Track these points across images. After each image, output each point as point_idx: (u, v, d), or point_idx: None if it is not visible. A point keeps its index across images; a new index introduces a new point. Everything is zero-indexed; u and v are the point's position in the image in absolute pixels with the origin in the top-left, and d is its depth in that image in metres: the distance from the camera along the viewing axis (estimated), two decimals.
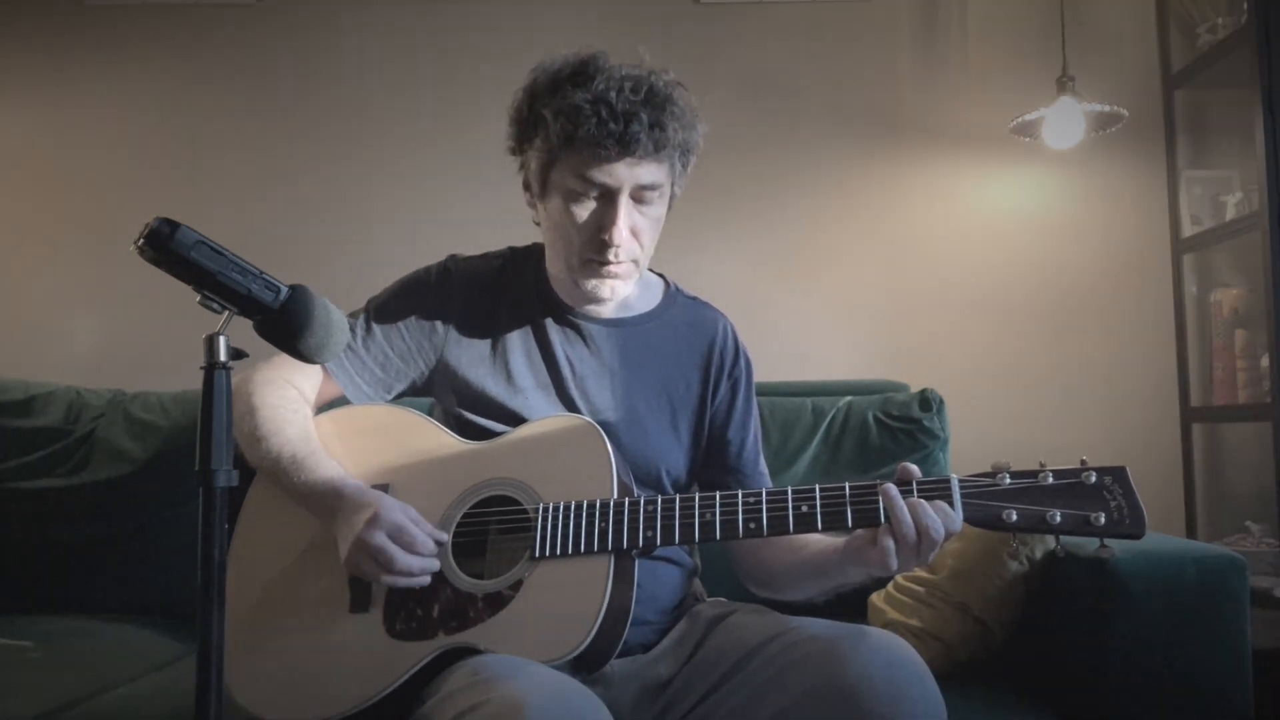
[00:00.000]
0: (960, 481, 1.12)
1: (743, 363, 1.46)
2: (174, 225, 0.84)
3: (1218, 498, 2.53)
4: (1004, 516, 1.09)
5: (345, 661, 1.19)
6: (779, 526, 1.15)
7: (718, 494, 1.18)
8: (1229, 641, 1.41)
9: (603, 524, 1.17)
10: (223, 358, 0.86)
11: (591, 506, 1.19)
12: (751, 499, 1.17)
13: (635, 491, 1.26)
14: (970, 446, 2.13)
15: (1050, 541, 1.48)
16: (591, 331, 1.39)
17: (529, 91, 1.30)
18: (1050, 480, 1.10)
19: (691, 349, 1.42)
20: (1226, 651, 1.41)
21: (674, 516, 1.17)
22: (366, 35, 2.58)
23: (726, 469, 1.43)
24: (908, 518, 1.09)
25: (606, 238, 1.27)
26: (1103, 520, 1.07)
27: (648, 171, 1.27)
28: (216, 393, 0.85)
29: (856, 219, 2.56)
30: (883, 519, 1.11)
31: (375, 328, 1.38)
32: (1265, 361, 2.29)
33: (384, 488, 1.28)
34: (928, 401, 2.00)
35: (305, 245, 2.51)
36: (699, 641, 1.25)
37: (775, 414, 2.02)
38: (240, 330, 0.87)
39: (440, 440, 1.32)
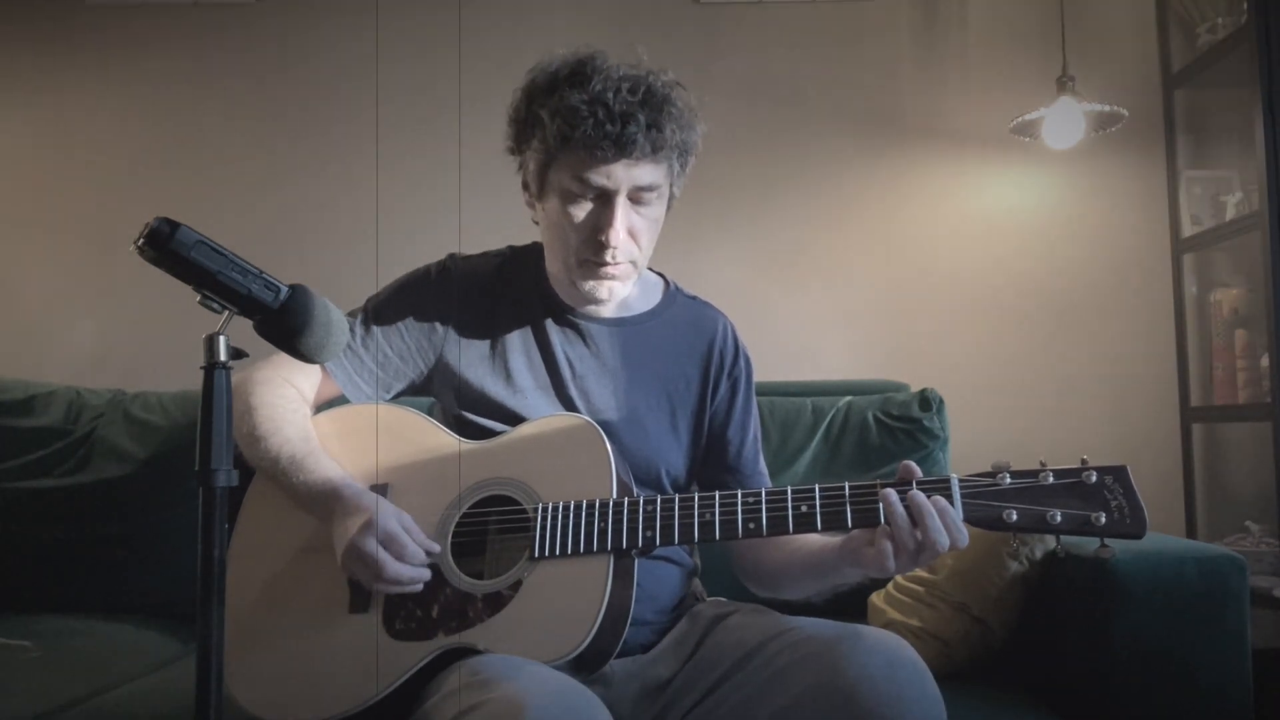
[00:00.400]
0: (960, 481, 1.12)
1: (742, 362, 1.45)
2: (174, 225, 0.84)
3: (1218, 498, 2.53)
4: (1004, 516, 1.09)
5: (345, 661, 1.19)
6: (778, 527, 1.15)
7: (717, 494, 1.18)
8: (1229, 641, 1.41)
9: (602, 524, 1.17)
10: (223, 358, 0.86)
11: (591, 506, 1.19)
12: (751, 499, 1.16)
13: (635, 491, 1.26)
14: (970, 446, 2.13)
15: (1050, 541, 1.49)
16: (591, 331, 1.39)
17: (526, 91, 1.30)
18: (1051, 480, 1.10)
19: (691, 348, 1.42)
20: (1226, 651, 1.41)
21: (673, 516, 1.17)
22: (366, 35, 2.57)
23: (726, 468, 1.43)
24: (907, 524, 1.09)
25: (604, 239, 1.26)
26: (1103, 520, 1.07)
27: (645, 173, 1.26)
28: (216, 393, 0.85)
29: (856, 219, 2.56)
30: (882, 521, 1.11)
31: (374, 327, 1.38)
32: (1265, 361, 2.29)
33: (383, 487, 1.28)
34: (928, 401, 2.00)
35: (305, 245, 2.51)
36: (699, 641, 1.25)
37: (775, 414, 2.02)
38: (240, 330, 0.87)
39: (440, 440, 1.32)
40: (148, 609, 1.94)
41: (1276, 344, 2.20)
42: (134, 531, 1.98)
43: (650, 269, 1.45)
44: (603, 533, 1.17)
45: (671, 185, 1.33)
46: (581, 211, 1.28)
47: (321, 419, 1.36)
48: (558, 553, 1.17)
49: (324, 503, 1.23)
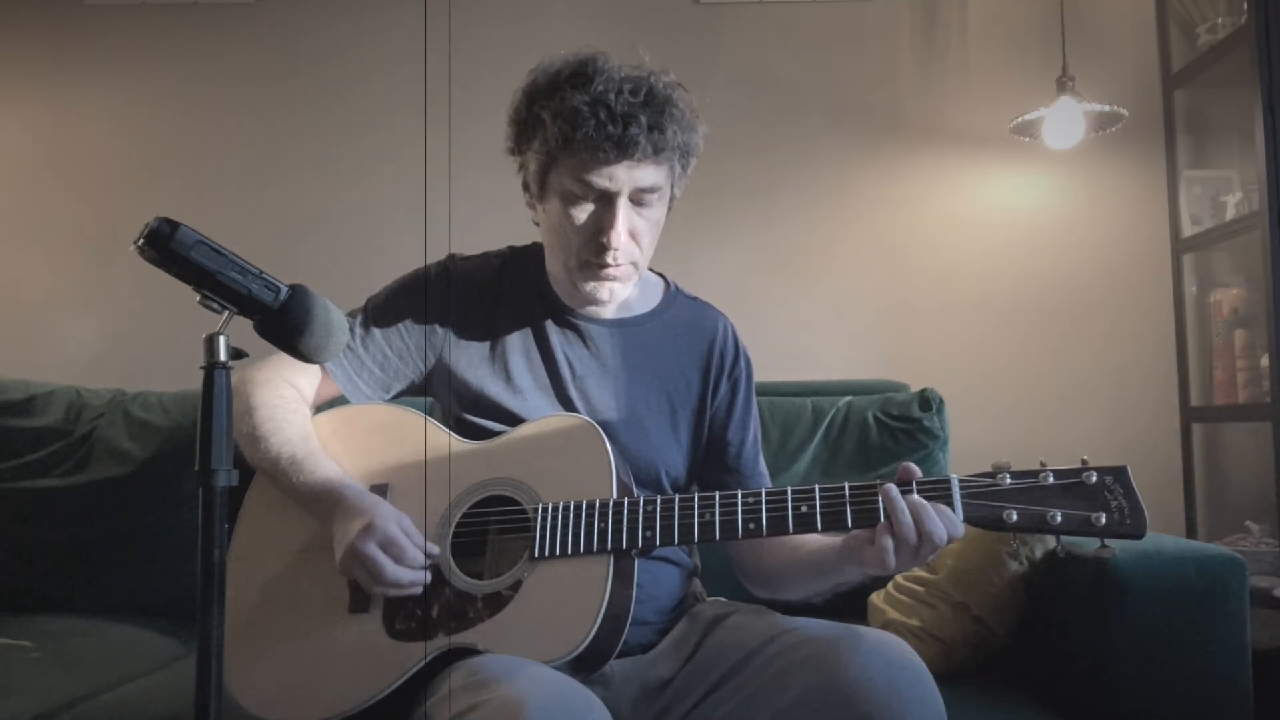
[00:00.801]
0: (960, 481, 1.12)
1: (743, 363, 1.45)
2: (174, 225, 0.84)
3: (1218, 498, 2.53)
4: (1005, 516, 1.09)
5: (345, 661, 1.19)
6: (778, 527, 1.15)
7: (717, 494, 1.18)
8: (1229, 641, 1.41)
9: (602, 524, 1.17)
10: (223, 357, 0.86)
11: (591, 506, 1.19)
12: (751, 499, 1.16)
13: (635, 491, 1.26)
14: (970, 446, 2.13)
15: (1050, 541, 1.49)
16: (591, 332, 1.39)
17: (527, 92, 1.30)
18: (1051, 480, 1.10)
19: (691, 349, 1.42)
20: (1226, 651, 1.41)
21: (673, 516, 1.17)
22: (366, 35, 2.57)
23: (726, 469, 1.43)
24: (908, 519, 1.09)
25: (605, 241, 1.26)
26: (1103, 520, 1.07)
27: (647, 174, 1.26)
28: (216, 392, 0.85)
29: (856, 219, 2.56)
30: (882, 518, 1.11)
31: (374, 328, 1.38)
32: (1265, 361, 2.29)
33: (383, 487, 1.28)
34: (928, 401, 2.00)
35: (305, 245, 2.51)
36: (699, 642, 1.25)
37: (775, 414, 2.02)
38: (240, 330, 0.87)
39: (440, 440, 1.32)
40: (148, 609, 1.94)
41: (1276, 344, 2.20)
42: (134, 531, 1.98)
43: (650, 269, 1.45)
44: (603, 533, 1.17)
45: (672, 186, 1.33)
46: (583, 213, 1.27)
47: (321, 419, 1.36)
48: (558, 553, 1.17)
49: (324, 503, 1.23)
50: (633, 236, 1.29)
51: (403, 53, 2.56)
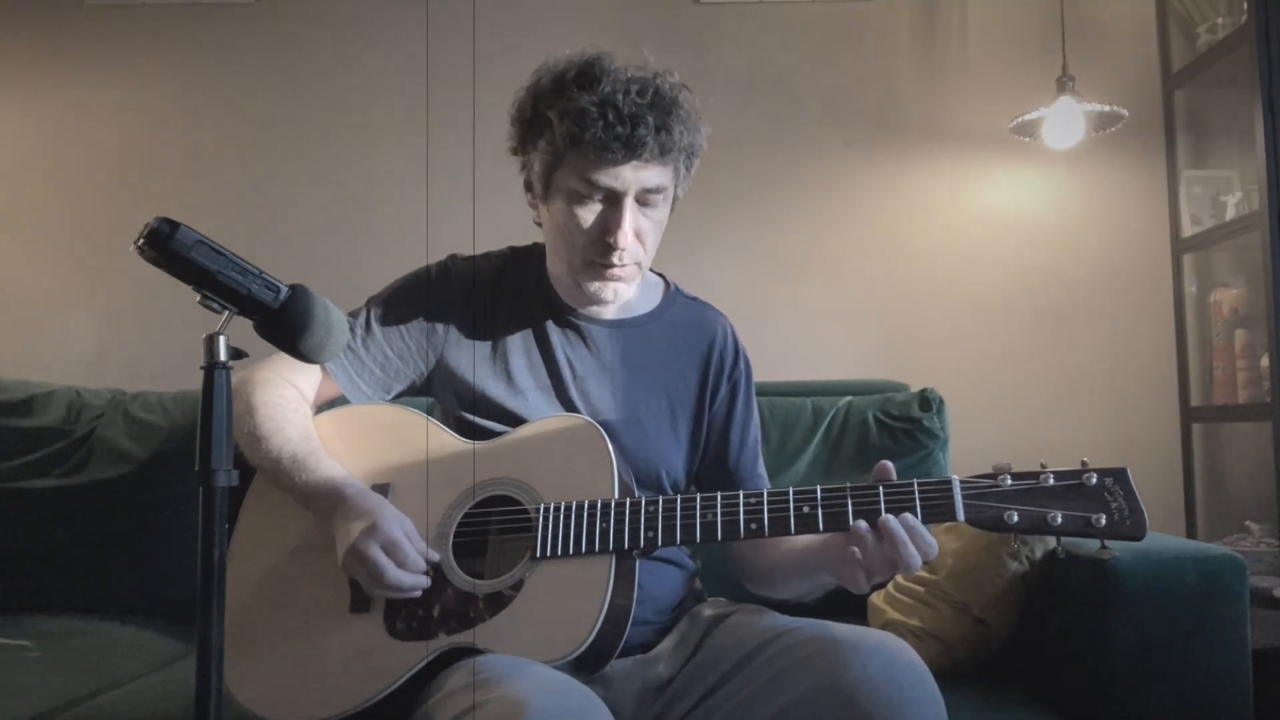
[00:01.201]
0: (961, 483, 1.12)
1: (742, 364, 1.45)
2: (174, 225, 0.84)
3: (1218, 498, 2.53)
4: (1005, 518, 1.09)
5: (345, 661, 1.19)
6: (780, 527, 1.15)
7: (719, 494, 1.18)
8: (1229, 641, 1.41)
9: (604, 524, 1.17)
10: (223, 357, 0.86)
11: (593, 507, 1.19)
12: (753, 499, 1.16)
13: (636, 492, 1.26)
14: (970, 446, 2.13)
15: (1051, 542, 1.49)
16: (592, 332, 1.39)
17: (532, 92, 1.30)
18: (1051, 481, 1.10)
19: (691, 350, 1.42)
20: (1226, 651, 1.41)
21: (675, 517, 1.17)
22: (367, 35, 2.57)
23: (726, 471, 1.43)
24: (880, 554, 1.09)
25: (611, 241, 1.27)
26: (1103, 522, 1.07)
27: (653, 175, 1.26)
28: (216, 392, 0.85)
29: (856, 219, 2.56)
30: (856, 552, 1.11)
31: (375, 328, 1.38)
32: (1265, 361, 2.29)
33: (384, 487, 1.28)
34: (928, 401, 2.00)
35: (305, 245, 2.51)
36: (699, 642, 1.25)
37: (775, 414, 2.02)
38: (240, 330, 0.87)
39: (441, 440, 1.32)
40: (148, 609, 1.94)
41: (1276, 344, 2.20)
42: (134, 531, 1.98)
43: (651, 269, 1.45)
44: (604, 533, 1.17)
45: (676, 187, 1.33)
46: (588, 213, 1.27)
47: (322, 419, 1.36)
48: (559, 553, 1.17)
49: (326, 502, 1.23)
50: (637, 237, 1.29)
51: (403, 52, 2.56)
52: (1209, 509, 2.52)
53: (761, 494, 1.17)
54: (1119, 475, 1.09)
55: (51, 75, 2.56)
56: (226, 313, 0.88)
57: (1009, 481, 1.11)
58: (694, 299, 1.49)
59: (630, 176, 1.25)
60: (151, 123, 2.56)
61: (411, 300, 1.40)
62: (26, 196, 2.55)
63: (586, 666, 1.16)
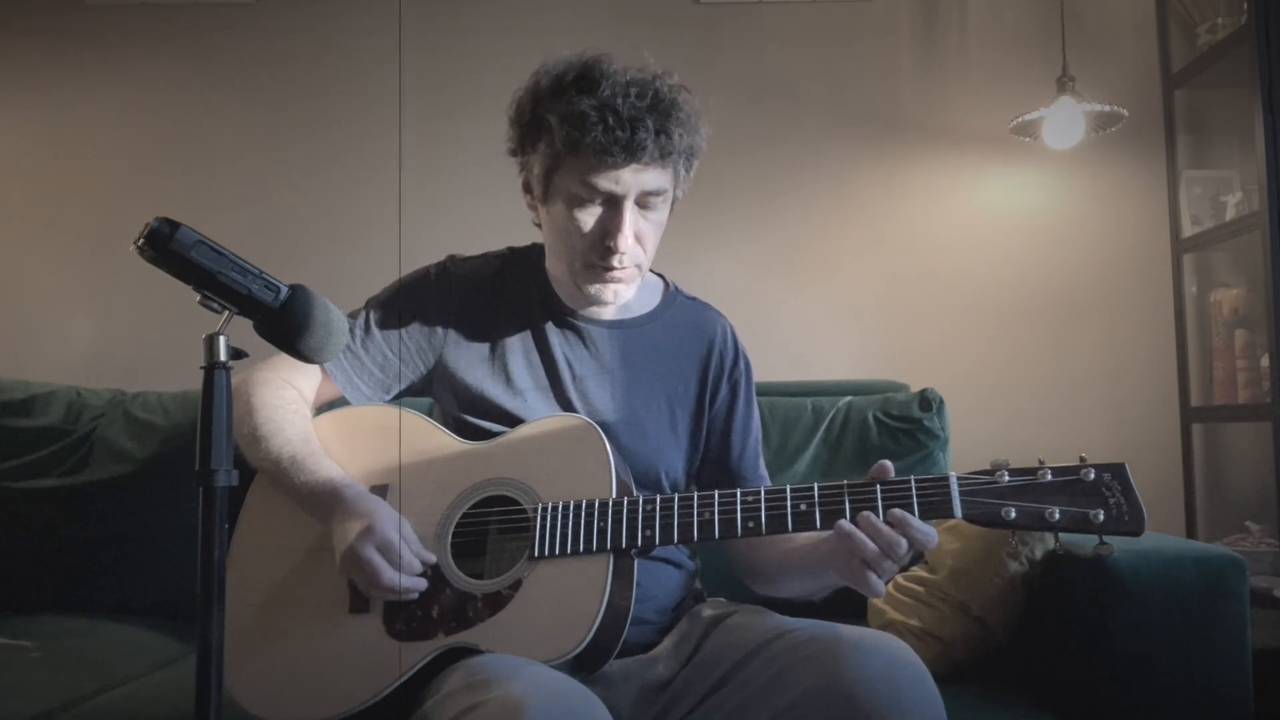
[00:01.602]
0: (959, 479, 1.12)
1: (742, 365, 1.45)
2: (174, 225, 0.84)
3: (1218, 498, 2.53)
4: (1003, 514, 1.09)
5: (345, 662, 1.19)
6: (777, 525, 1.15)
7: (716, 493, 1.18)
8: (1229, 641, 1.41)
9: (602, 523, 1.17)
10: (223, 358, 0.86)
11: (591, 506, 1.19)
12: (750, 498, 1.16)
13: (634, 492, 1.26)
14: (970, 446, 2.13)
15: (1050, 541, 1.48)
16: (591, 333, 1.39)
17: (532, 94, 1.29)
18: (1049, 477, 1.10)
19: (691, 351, 1.42)
20: (1226, 651, 1.41)
21: (673, 516, 1.17)
22: (367, 35, 2.57)
23: (727, 472, 1.43)
24: (875, 552, 1.09)
25: (611, 244, 1.27)
26: (1102, 517, 1.07)
27: (653, 177, 1.26)
28: (216, 392, 0.85)
29: (857, 219, 2.56)
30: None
31: (374, 328, 1.38)
32: (1265, 361, 2.29)
33: (383, 488, 1.28)
34: (928, 401, 2.00)
35: (305, 245, 2.51)
36: (699, 642, 1.25)
37: (775, 414, 2.02)
38: (240, 330, 0.88)
39: (440, 440, 1.32)
40: (148, 609, 1.94)
41: (1276, 344, 2.20)
42: (134, 531, 1.98)
43: (650, 270, 1.44)
44: (602, 532, 1.17)
45: (676, 189, 1.33)
46: (588, 216, 1.27)
47: (322, 420, 1.36)
48: (557, 552, 1.17)
49: (325, 503, 1.24)
50: (637, 239, 1.29)
51: (401, 51, 2.56)
52: (1209, 509, 2.52)
53: (759, 492, 1.17)
54: (1117, 471, 1.09)
55: (51, 75, 2.56)
56: (226, 313, 0.88)
57: (1007, 478, 1.11)
58: (694, 299, 1.49)
59: (630, 180, 1.25)
60: (151, 122, 2.56)
61: (411, 301, 1.40)
62: (27, 196, 2.55)
63: (585, 666, 1.16)
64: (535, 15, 2.55)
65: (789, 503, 1.15)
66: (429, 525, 1.24)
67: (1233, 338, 2.43)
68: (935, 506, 1.11)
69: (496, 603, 1.17)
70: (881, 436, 1.99)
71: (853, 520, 1.11)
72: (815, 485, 1.15)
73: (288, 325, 0.91)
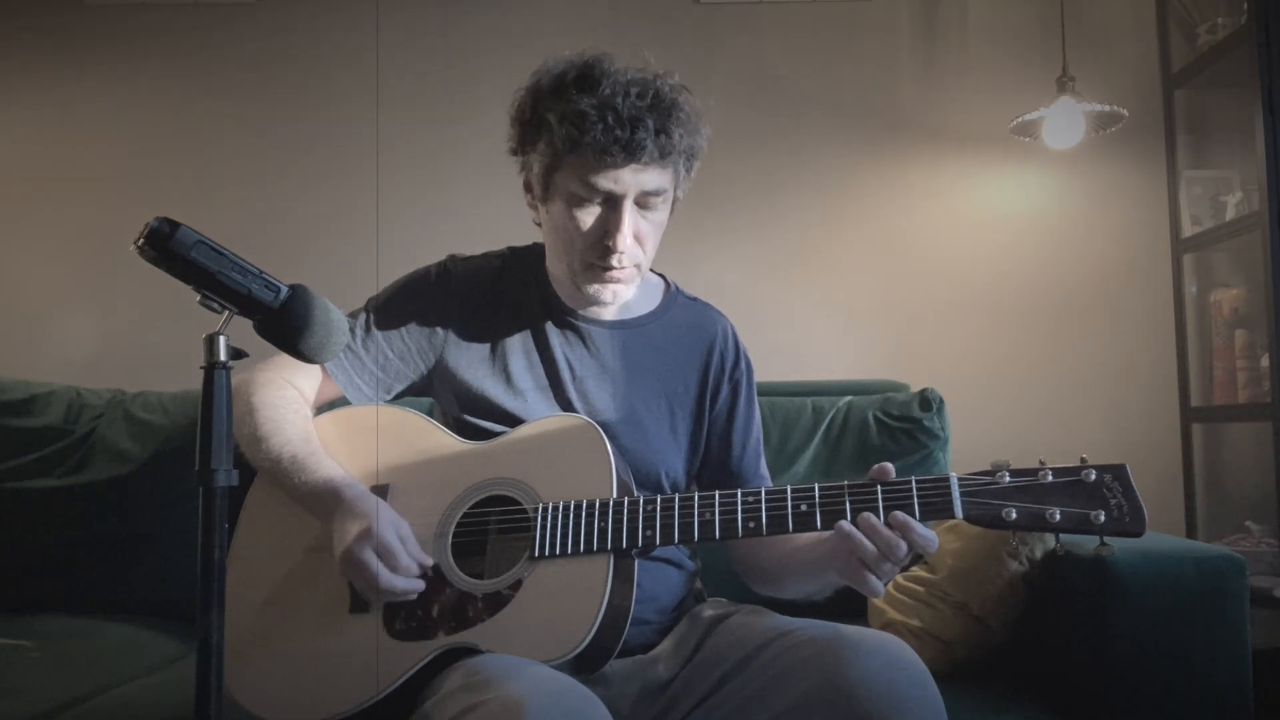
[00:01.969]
0: (960, 480, 1.12)
1: (743, 365, 1.45)
2: (174, 225, 0.84)
3: (1218, 498, 2.53)
4: (1004, 514, 1.09)
5: (345, 662, 1.19)
6: (778, 526, 1.15)
7: (717, 493, 1.18)
8: (1229, 641, 1.41)
9: (602, 523, 1.17)
10: (223, 357, 0.86)
11: (591, 506, 1.19)
12: (751, 498, 1.16)
13: (635, 492, 1.26)
14: (970, 446, 2.13)
15: (1050, 541, 1.49)
16: (591, 333, 1.38)
17: (532, 93, 1.29)
18: (1050, 478, 1.10)
19: (691, 351, 1.42)
20: (1226, 651, 1.41)
21: (674, 516, 1.17)
22: (367, 35, 2.57)
23: (728, 471, 1.43)
24: (874, 553, 1.09)
25: (611, 244, 1.26)
26: (1103, 518, 1.07)
27: (653, 177, 1.26)
28: (216, 392, 0.85)
29: (856, 219, 2.56)
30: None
31: (374, 328, 1.38)
32: (1265, 361, 2.29)
33: (384, 488, 1.28)
34: (928, 401, 2.00)
35: (305, 245, 2.51)
36: (699, 642, 1.25)
37: (775, 414, 2.02)
38: (240, 330, 0.88)
39: (440, 440, 1.32)
40: (148, 609, 1.94)
41: (1276, 344, 2.20)
42: (134, 531, 1.98)
43: (651, 270, 1.44)
44: (603, 532, 1.17)
45: (676, 189, 1.33)
46: (588, 215, 1.27)
47: (323, 420, 1.36)
48: (558, 552, 1.17)
49: (325, 503, 1.23)
50: (637, 239, 1.29)
51: (401, 51, 2.56)
52: (1209, 509, 2.52)
53: (759, 493, 1.17)
54: (1118, 472, 1.09)
55: (51, 75, 2.56)
56: (226, 313, 0.88)
57: (1007, 478, 1.10)
58: (694, 299, 1.49)
59: (629, 179, 1.25)
60: (151, 122, 2.56)
61: (411, 301, 1.40)
62: (27, 196, 2.55)
63: (585, 666, 1.16)
64: (535, 14, 2.55)
65: (790, 503, 1.15)
66: (429, 525, 1.24)
67: (1233, 338, 2.43)
68: (936, 507, 1.11)
69: (497, 603, 1.17)
70: (881, 436, 1.99)
71: (853, 521, 1.10)
72: (816, 486, 1.15)
73: (288, 325, 0.91)
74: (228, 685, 1.09)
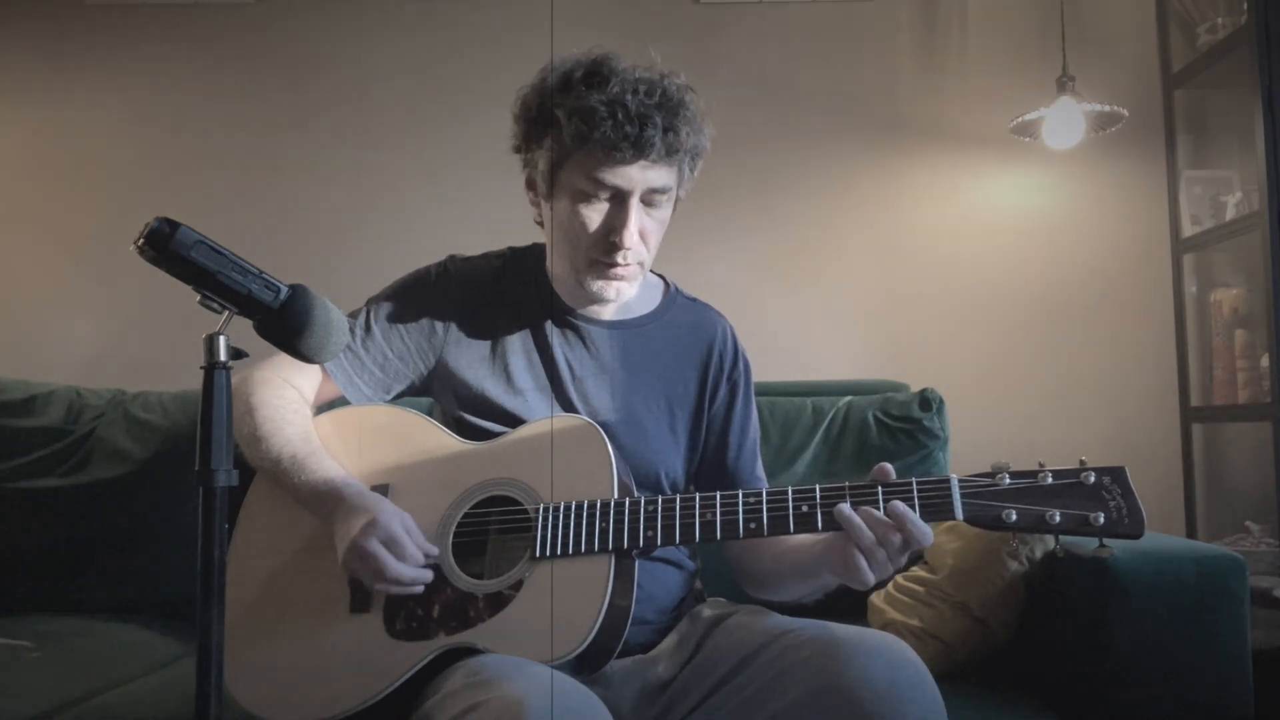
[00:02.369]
0: (960, 481, 1.12)
1: (741, 366, 1.45)
2: (174, 225, 0.84)
3: (1218, 498, 2.53)
4: (1004, 516, 1.09)
5: (345, 661, 1.19)
6: (779, 526, 1.15)
7: (718, 494, 1.18)
8: (1229, 641, 1.41)
9: (603, 524, 1.17)
10: (223, 357, 0.86)
11: (592, 506, 1.19)
12: (752, 499, 1.16)
13: (635, 492, 1.26)
14: (970, 446, 2.13)
15: (1050, 541, 1.49)
16: (591, 333, 1.39)
17: (538, 90, 1.30)
18: (1049, 480, 1.10)
19: (690, 351, 1.42)
20: (1226, 651, 1.41)
21: (674, 516, 1.17)
22: (367, 35, 2.58)
23: (724, 471, 1.43)
24: (869, 537, 1.09)
25: (617, 240, 1.27)
26: (1102, 520, 1.07)
27: (659, 175, 1.27)
28: (216, 392, 0.85)
29: (856, 219, 2.56)
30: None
31: (374, 328, 1.38)
32: (1265, 361, 2.29)
33: (384, 488, 1.28)
34: (928, 401, 2.00)
35: (305, 244, 2.51)
36: (699, 643, 1.25)
37: (775, 414, 2.02)
38: (240, 330, 0.88)
39: (440, 440, 1.32)
40: (148, 609, 1.94)
41: (1276, 344, 2.20)
42: (134, 531, 1.98)
43: (651, 270, 1.44)
44: (604, 533, 1.17)
45: (679, 188, 1.33)
46: (594, 212, 1.28)
47: (323, 420, 1.36)
48: (558, 553, 1.17)
49: (325, 502, 1.23)
50: (641, 236, 1.30)
51: (401, 52, 2.57)
52: (1209, 509, 2.52)
53: (760, 493, 1.17)
54: (1117, 474, 1.09)
55: (52, 75, 2.57)
56: (226, 313, 0.88)
57: (1007, 480, 1.11)
58: (694, 300, 1.49)
59: (636, 176, 1.25)
60: (152, 122, 2.56)
61: (411, 301, 1.40)
62: (27, 197, 2.56)
63: (586, 666, 1.16)
64: (534, 14, 2.55)
65: (790, 504, 1.15)
66: (430, 525, 1.24)
67: (1233, 338, 2.43)
68: (936, 508, 1.11)
69: (497, 603, 1.17)
70: (881, 436, 1.99)
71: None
72: (817, 487, 1.15)
73: (288, 325, 0.91)
74: (227, 685, 1.09)
